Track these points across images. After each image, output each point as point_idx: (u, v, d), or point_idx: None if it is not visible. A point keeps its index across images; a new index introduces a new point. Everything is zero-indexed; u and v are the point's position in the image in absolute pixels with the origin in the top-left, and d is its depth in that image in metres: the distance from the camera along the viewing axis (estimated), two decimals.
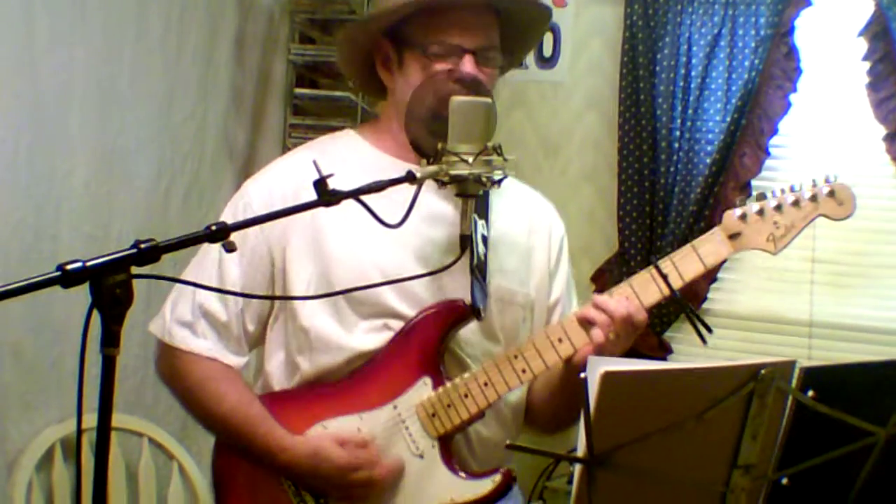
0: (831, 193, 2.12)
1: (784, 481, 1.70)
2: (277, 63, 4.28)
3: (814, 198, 2.12)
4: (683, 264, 2.15)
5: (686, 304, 2.16)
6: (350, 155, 2.25)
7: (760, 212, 2.13)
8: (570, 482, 3.68)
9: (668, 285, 2.12)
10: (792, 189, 2.14)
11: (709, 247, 2.14)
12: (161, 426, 3.44)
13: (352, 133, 2.38)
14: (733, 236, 2.13)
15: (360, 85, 2.40)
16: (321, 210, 2.07)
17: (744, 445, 1.64)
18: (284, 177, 2.24)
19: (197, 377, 2.23)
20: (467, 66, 2.15)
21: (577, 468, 1.59)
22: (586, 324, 2.12)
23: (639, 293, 2.14)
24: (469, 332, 2.21)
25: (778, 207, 2.13)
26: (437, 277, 2.14)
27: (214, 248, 2.19)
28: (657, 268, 2.13)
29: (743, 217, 2.13)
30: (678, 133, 3.93)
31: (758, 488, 1.69)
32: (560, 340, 2.14)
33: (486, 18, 2.21)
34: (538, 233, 2.37)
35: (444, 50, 2.16)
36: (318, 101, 4.27)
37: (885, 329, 3.87)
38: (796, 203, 2.12)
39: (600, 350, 2.08)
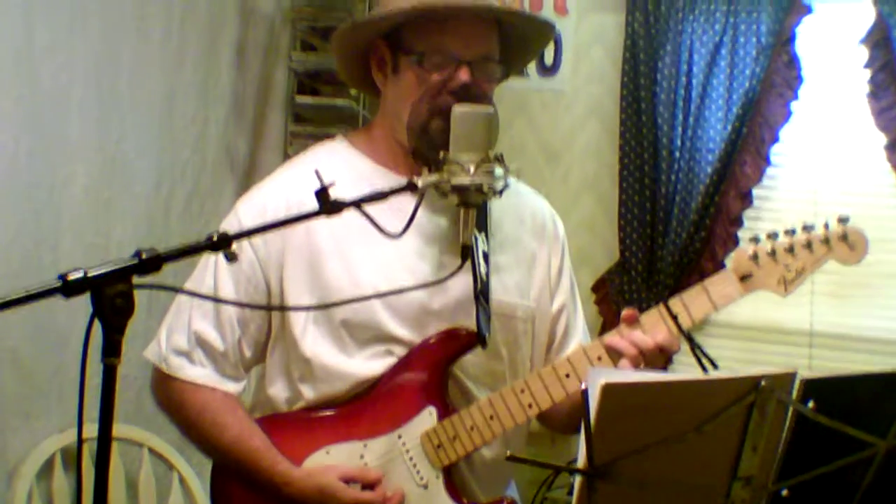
0: (843, 237, 2.10)
1: (784, 493, 1.69)
2: (278, 70, 4.28)
3: (826, 241, 2.10)
4: (694, 305, 2.12)
5: (695, 342, 2.14)
6: (342, 167, 2.17)
7: (773, 253, 2.11)
8: (570, 493, 3.67)
9: (679, 326, 2.10)
10: (805, 229, 2.11)
11: (720, 288, 2.12)
12: (161, 436, 3.43)
13: (343, 141, 2.33)
14: (745, 277, 2.11)
15: (357, 84, 2.37)
16: (316, 232, 2.06)
17: (744, 457, 1.64)
18: (277, 194, 2.21)
19: (196, 407, 2.20)
20: (462, 76, 2.11)
21: (578, 479, 1.59)
22: (615, 353, 2.10)
23: (647, 332, 2.10)
24: (472, 353, 2.18)
25: (790, 249, 2.10)
26: (437, 299, 2.14)
27: (208, 277, 2.19)
28: (667, 307, 2.11)
29: (755, 257, 2.11)
30: (679, 141, 3.93)
31: (758, 500, 1.68)
32: (567, 376, 2.12)
33: (485, 27, 2.17)
34: (539, 234, 2.34)
35: (440, 60, 2.12)
36: (319, 109, 4.27)
37: (886, 339, 3.87)
38: (808, 246, 2.10)
39: None
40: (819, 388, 1.66)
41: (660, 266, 3.96)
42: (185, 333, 2.20)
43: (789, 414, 1.65)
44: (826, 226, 2.11)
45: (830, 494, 1.74)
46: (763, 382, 1.59)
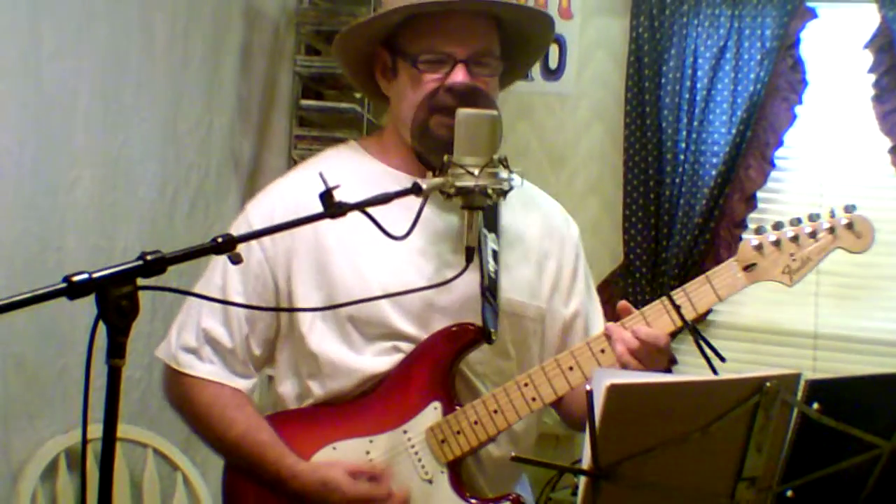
0: (850, 226, 2.08)
1: (789, 494, 1.69)
2: (283, 74, 4.29)
3: (831, 230, 2.09)
4: (697, 296, 2.10)
5: (699, 334, 2.12)
6: (353, 169, 2.20)
7: (777, 243, 2.09)
8: (574, 494, 3.67)
9: (682, 317, 2.08)
10: (810, 219, 2.10)
11: (723, 279, 2.10)
12: (165, 437, 3.43)
13: (354, 145, 2.34)
14: (748, 267, 2.09)
15: (367, 92, 2.37)
16: (325, 232, 2.06)
17: (749, 458, 1.63)
18: (286, 195, 2.21)
19: (204, 402, 2.21)
20: (458, 75, 2.11)
21: (582, 480, 1.59)
22: (613, 342, 2.07)
23: (651, 324, 2.09)
24: (479, 350, 2.17)
25: (795, 239, 2.09)
26: (444, 297, 2.13)
27: (217, 275, 2.20)
28: (670, 299, 2.09)
29: (759, 248, 2.09)
30: (684, 145, 3.93)
31: (762, 501, 1.68)
32: (571, 369, 2.11)
33: (481, 24, 2.17)
34: (550, 236, 2.33)
35: (434, 59, 2.13)
36: (324, 113, 4.28)
37: (890, 341, 3.87)
38: (813, 235, 2.09)
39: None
40: (824, 390, 1.65)
41: (664, 269, 3.96)
42: (193, 331, 2.22)
43: (794, 415, 1.65)
44: (832, 214, 2.10)
45: (835, 495, 1.74)
46: (768, 384, 1.59)
